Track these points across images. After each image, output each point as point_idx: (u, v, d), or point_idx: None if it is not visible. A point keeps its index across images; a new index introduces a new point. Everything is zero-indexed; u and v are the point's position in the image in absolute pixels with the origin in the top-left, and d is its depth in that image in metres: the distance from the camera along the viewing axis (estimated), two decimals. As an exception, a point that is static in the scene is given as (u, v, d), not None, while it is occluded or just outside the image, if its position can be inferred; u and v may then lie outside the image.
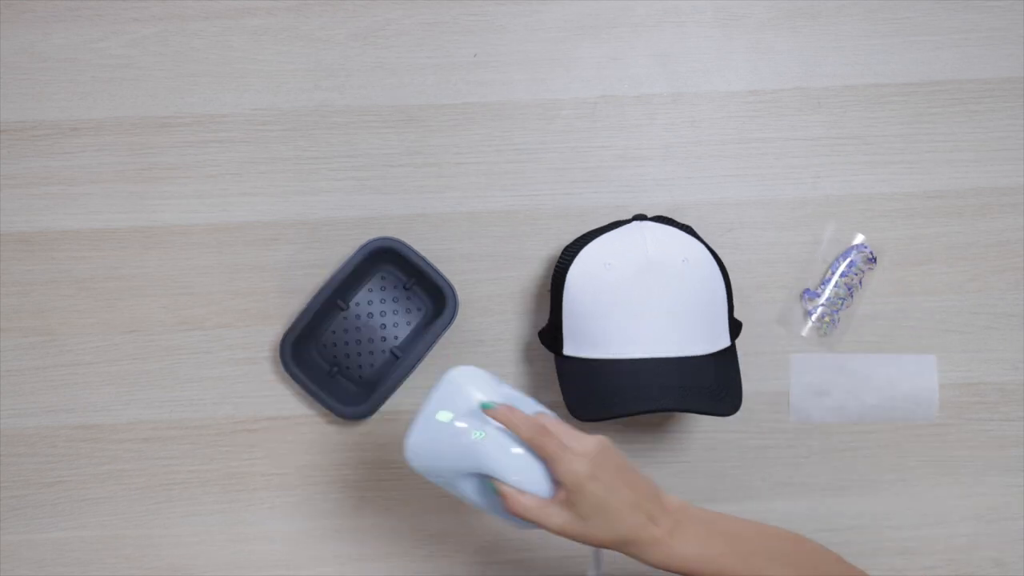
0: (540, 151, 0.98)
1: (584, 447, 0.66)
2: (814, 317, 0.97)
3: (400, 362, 0.92)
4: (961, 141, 0.99)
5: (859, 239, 0.98)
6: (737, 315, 0.96)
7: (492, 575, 0.96)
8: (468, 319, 0.97)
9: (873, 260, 0.97)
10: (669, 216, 0.97)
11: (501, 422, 0.68)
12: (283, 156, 0.98)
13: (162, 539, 0.95)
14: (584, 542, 0.68)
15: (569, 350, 0.86)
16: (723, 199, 0.98)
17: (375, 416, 0.96)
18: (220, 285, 0.97)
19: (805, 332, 0.97)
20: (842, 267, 0.97)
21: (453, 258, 0.97)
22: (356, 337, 0.95)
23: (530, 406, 0.72)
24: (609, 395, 0.81)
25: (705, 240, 0.94)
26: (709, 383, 0.82)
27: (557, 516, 0.66)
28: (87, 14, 0.98)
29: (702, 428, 0.97)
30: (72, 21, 0.98)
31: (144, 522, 0.96)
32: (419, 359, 0.91)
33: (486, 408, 0.68)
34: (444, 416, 0.69)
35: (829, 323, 0.97)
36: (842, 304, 0.97)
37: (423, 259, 0.92)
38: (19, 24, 0.98)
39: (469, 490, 0.70)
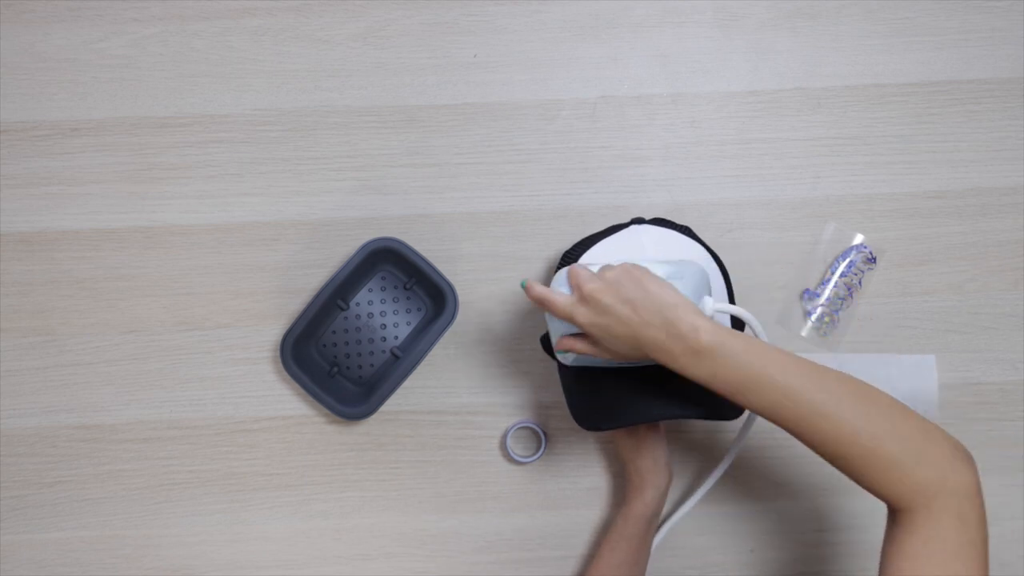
0: (540, 151, 0.98)
1: (577, 297, 0.76)
2: (814, 317, 0.97)
3: (400, 362, 0.92)
4: (961, 141, 0.99)
5: (859, 239, 0.98)
6: (737, 315, 0.96)
7: (492, 575, 0.96)
8: (468, 319, 0.97)
9: (873, 260, 0.97)
10: (667, 218, 0.97)
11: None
12: (283, 156, 0.98)
13: (162, 539, 0.96)
14: (635, 361, 0.78)
15: (571, 358, 0.86)
16: (723, 199, 0.98)
17: (375, 416, 0.96)
18: (220, 285, 0.97)
19: (805, 332, 0.97)
20: (842, 267, 0.97)
21: (453, 258, 0.98)
22: (356, 337, 0.95)
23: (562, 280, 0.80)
24: (614, 404, 0.81)
25: (705, 240, 0.94)
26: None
27: (601, 352, 0.76)
28: (87, 14, 0.98)
29: (702, 429, 0.97)
30: (72, 21, 0.98)
31: (144, 522, 0.96)
32: (419, 359, 0.91)
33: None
34: (548, 314, 0.82)
35: (829, 323, 0.97)
36: (842, 304, 0.97)
37: (423, 259, 0.92)
38: (19, 24, 0.98)
39: (579, 359, 0.82)
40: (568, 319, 0.76)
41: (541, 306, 0.77)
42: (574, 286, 0.76)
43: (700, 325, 0.70)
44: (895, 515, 0.67)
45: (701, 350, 0.70)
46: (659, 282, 0.73)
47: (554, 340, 0.81)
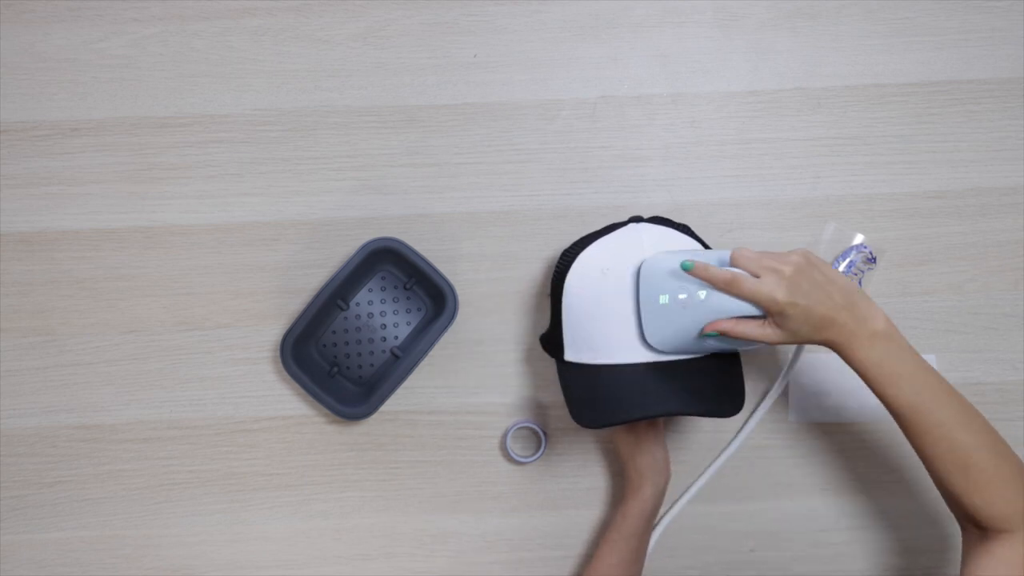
0: (540, 151, 0.98)
1: (776, 278, 0.76)
2: (814, 317, 0.97)
3: (400, 362, 0.92)
4: (961, 141, 0.99)
5: (859, 239, 0.98)
6: (737, 315, 0.96)
7: (492, 575, 0.96)
8: (468, 319, 0.97)
9: (873, 260, 0.97)
10: (667, 216, 0.97)
11: (700, 278, 0.78)
12: (283, 156, 0.98)
13: (162, 539, 0.96)
14: (799, 343, 0.84)
15: (570, 355, 0.86)
16: (723, 199, 0.98)
17: (375, 416, 0.96)
18: (220, 285, 0.97)
19: (805, 332, 0.97)
20: (842, 267, 0.97)
21: (453, 258, 0.98)
22: (356, 337, 0.95)
23: (716, 254, 0.81)
24: (612, 401, 0.81)
25: (705, 240, 0.94)
26: (711, 385, 0.82)
27: (774, 334, 0.77)
28: (87, 14, 0.98)
29: (702, 428, 0.97)
30: (72, 21, 0.98)
31: (144, 522, 0.96)
32: (419, 359, 0.91)
33: (686, 269, 0.79)
34: (664, 299, 0.80)
35: (829, 323, 0.97)
36: (842, 304, 0.97)
37: (423, 259, 0.92)
38: (19, 24, 0.98)
39: (711, 343, 0.81)
40: (764, 300, 0.75)
41: (724, 287, 0.77)
42: (768, 268, 0.76)
43: (878, 311, 0.76)
44: (991, 533, 0.73)
45: (878, 335, 0.75)
46: (834, 269, 0.77)
47: (690, 321, 0.79)
